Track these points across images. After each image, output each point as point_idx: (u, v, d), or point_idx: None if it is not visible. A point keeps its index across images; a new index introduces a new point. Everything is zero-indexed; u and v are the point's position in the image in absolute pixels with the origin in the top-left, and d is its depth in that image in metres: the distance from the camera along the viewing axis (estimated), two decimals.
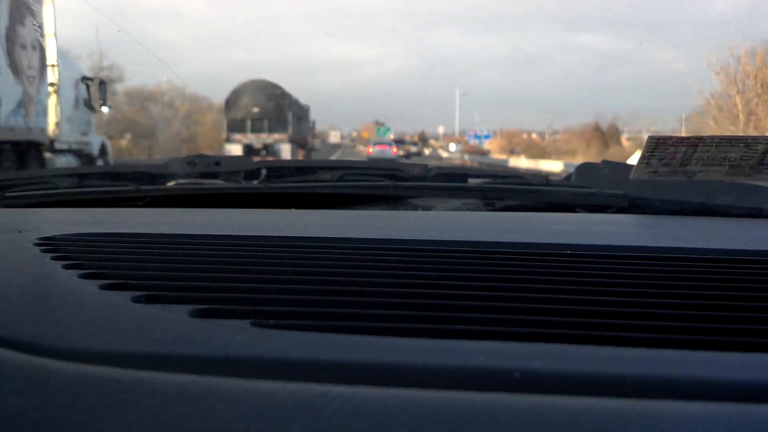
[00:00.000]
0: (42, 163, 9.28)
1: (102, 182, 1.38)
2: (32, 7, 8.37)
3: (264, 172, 1.37)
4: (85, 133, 11.46)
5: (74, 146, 10.93)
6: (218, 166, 1.40)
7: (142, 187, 1.34)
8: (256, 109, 19.28)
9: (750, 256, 0.75)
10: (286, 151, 19.37)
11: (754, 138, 0.97)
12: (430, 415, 0.36)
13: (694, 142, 0.98)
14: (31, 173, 1.42)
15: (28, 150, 8.92)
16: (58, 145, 10.06)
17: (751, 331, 0.52)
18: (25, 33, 8.37)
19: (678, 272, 0.67)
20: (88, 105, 11.37)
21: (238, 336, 0.47)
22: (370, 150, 34.76)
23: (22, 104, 8.51)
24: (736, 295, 0.60)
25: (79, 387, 0.39)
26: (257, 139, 19.49)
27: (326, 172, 1.37)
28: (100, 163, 11.63)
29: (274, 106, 19.37)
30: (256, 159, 1.73)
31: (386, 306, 0.55)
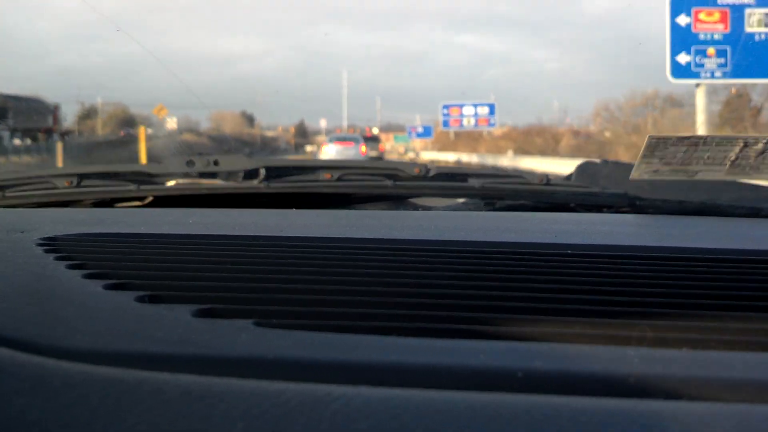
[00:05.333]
0: None
1: (102, 182, 1.38)
2: None
3: (263, 171, 1.37)
4: None
5: None
6: (217, 165, 1.40)
7: (143, 187, 1.34)
8: None
9: (751, 256, 0.75)
10: (6, 137, 27.93)
11: (754, 137, 0.97)
12: (432, 415, 0.36)
13: (695, 142, 0.98)
14: (31, 173, 1.42)
15: None
16: None
17: (752, 330, 0.52)
18: None
19: (679, 272, 0.67)
20: None
21: (240, 336, 0.47)
22: (325, 147, 24.44)
23: None
24: (737, 294, 0.60)
25: (82, 387, 0.39)
26: None
27: (326, 172, 1.37)
28: None
29: None
30: None
31: (388, 305, 0.55)
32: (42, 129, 31.51)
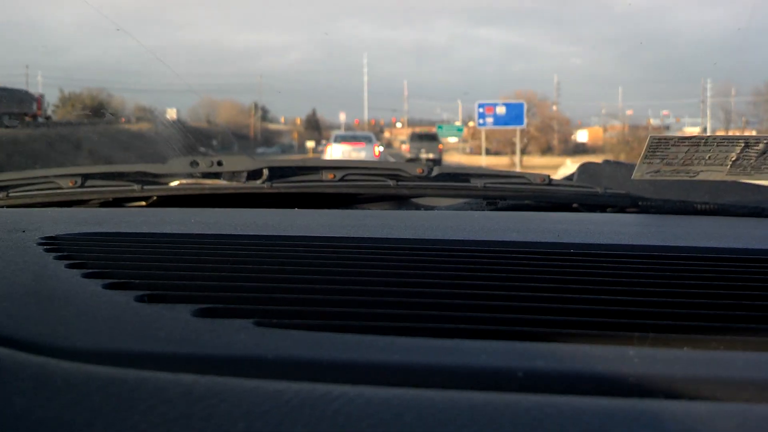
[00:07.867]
0: None
1: (105, 182, 1.38)
2: None
3: (266, 171, 1.37)
4: None
5: None
6: (220, 166, 1.40)
7: (146, 187, 1.34)
8: None
9: (753, 255, 0.75)
10: None
11: (755, 138, 0.97)
12: (432, 414, 0.36)
13: (696, 142, 0.98)
14: (34, 173, 1.42)
15: None
16: None
17: (754, 329, 0.52)
18: None
19: (681, 271, 0.67)
20: None
21: (241, 335, 0.47)
22: (330, 149, 19.84)
23: None
24: (740, 293, 0.60)
25: (83, 386, 0.39)
26: None
27: (329, 172, 1.37)
28: None
29: None
30: None
31: (389, 305, 0.55)
32: (29, 114, 33.63)
